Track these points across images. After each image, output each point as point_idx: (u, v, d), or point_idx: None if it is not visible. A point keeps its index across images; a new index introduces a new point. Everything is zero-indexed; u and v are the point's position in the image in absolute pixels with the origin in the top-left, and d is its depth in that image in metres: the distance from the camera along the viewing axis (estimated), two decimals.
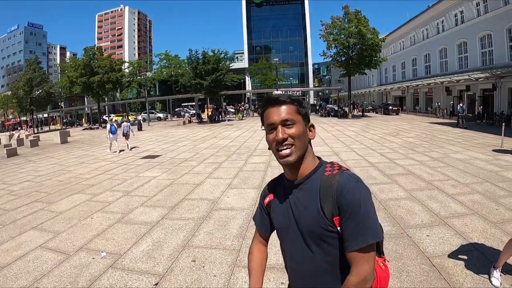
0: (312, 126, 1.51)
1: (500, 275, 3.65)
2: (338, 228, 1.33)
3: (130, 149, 16.59)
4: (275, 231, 1.64)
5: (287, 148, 1.38)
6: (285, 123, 1.39)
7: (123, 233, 5.38)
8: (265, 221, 1.66)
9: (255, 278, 1.63)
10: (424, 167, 9.59)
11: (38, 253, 4.79)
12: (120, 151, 16.00)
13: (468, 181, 7.94)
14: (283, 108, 1.40)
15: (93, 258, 4.52)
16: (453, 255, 4.24)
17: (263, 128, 1.48)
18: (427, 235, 4.86)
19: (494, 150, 12.21)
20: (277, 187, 1.60)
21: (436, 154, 11.62)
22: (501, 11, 27.97)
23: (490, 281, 3.61)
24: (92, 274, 4.07)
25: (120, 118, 47.09)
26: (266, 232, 1.69)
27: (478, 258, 4.10)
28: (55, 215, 6.59)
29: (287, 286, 1.68)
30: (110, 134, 16.26)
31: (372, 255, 1.30)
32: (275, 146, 1.41)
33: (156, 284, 3.81)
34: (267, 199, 1.63)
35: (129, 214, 6.40)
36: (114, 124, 16.93)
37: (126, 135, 17.22)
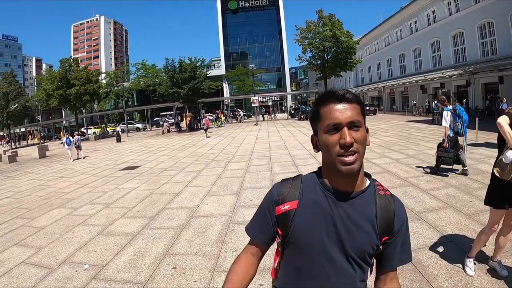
0: (367, 130, 1.30)
1: (474, 264, 3.82)
2: (381, 247, 1.31)
3: (83, 158, 19.80)
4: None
5: (351, 155, 1.19)
6: (351, 125, 1.20)
7: (105, 245, 5.47)
8: (267, 232, 1.40)
9: None
10: (400, 165, 9.93)
11: (22, 269, 4.85)
12: (84, 156, 20.07)
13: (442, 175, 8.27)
14: (351, 107, 1.22)
15: (76, 271, 4.60)
16: (428, 248, 4.45)
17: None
18: None
19: (469, 145, 12.61)
20: (308, 194, 1.34)
21: (412, 152, 12.00)
22: (472, 9, 29.07)
23: (465, 271, 3.78)
24: (76, 287, 4.17)
25: (99, 130, 46.70)
26: (264, 244, 1.43)
27: (452, 249, 4.32)
28: (37, 231, 6.61)
29: None
30: (66, 145, 19.95)
31: None
32: (338, 150, 1.20)
33: None
34: (284, 207, 1.34)
35: (110, 226, 6.48)
36: (70, 138, 20.52)
37: (78, 147, 20.13)
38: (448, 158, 8.05)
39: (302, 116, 40.88)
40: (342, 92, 1.23)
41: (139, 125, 53.67)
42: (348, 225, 1.26)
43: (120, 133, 32.89)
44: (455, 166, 8.43)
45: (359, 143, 1.20)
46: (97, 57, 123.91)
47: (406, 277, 3.76)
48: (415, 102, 36.20)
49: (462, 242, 4.55)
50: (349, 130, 1.19)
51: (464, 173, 8.13)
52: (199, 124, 39.94)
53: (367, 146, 1.27)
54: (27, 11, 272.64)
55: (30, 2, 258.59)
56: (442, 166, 8.48)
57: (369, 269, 1.36)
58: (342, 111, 1.21)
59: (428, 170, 8.93)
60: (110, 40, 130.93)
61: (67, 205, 8.50)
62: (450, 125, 8.13)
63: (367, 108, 42.62)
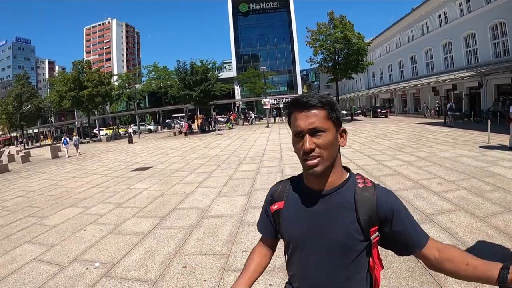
0: (344, 131, 1.40)
1: None
2: (373, 237, 1.32)
3: (80, 154, 24.36)
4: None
5: (313, 159, 1.27)
6: (313, 131, 1.27)
7: (116, 244, 5.50)
8: (269, 227, 1.56)
9: (244, 276, 1.50)
10: (411, 167, 9.80)
11: (33, 266, 4.89)
12: (81, 153, 24.57)
13: (454, 178, 8.15)
14: (312, 113, 1.27)
15: (87, 269, 4.63)
16: None
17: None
18: None
19: (481, 147, 12.48)
20: (290, 194, 1.47)
21: (424, 154, 11.85)
22: (484, 9, 28.67)
23: None
24: (86, 284, 4.19)
25: (111, 131, 47.17)
26: (271, 238, 1.59)
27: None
28: (49, 229, 6.67)
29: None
30: (63, 144, 24.31)
31: None
32: (302, 155, 1.29)
33: None
34: (275, 206, 1.50)
35: (121, 225, 6.51)
36: (67, 139, 24.71)
37: (76, 146, 25.46)
38: None
39: None
40: (305, 100, 1.29)
41: (151, 127, 54.04)
42: (326, 221, 1.33)
43: (132, 134, 33.15)
44: None
45: (321, 147, 1.27)
46: (109, 59, 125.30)
47: (417, 279, 3.71)
48: (426, 104, 35.95)
49: (472, 244, 4.49)
50: (311, 136, 1.27)
51: None
52: (210, 126, 40.08)
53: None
54: (40, 14, 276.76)
55: (43, 5, 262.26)
56: None
57: (368, 260, 1.39)
58: (304, 118, 1.28)
59: None
60: (122, 42, 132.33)
61: (79, 205, 8.57)
62: None
63: (379, 110, 42.52)
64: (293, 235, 1.42)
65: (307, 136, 1.26)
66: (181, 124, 46.31)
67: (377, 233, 1.33)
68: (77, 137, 27.43)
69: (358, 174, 1.44)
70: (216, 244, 5.18)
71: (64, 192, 10.43)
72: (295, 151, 1.36)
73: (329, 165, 1.31)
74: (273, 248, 1.65)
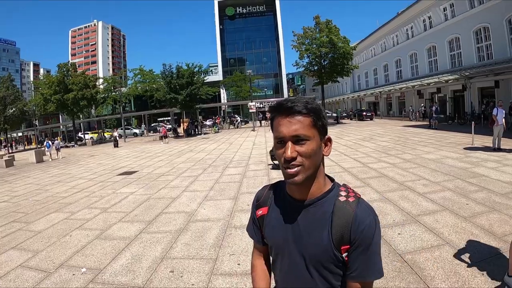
0: (329, 140, 1.32)
1: None
2: (344, 255, 1.24)
3: (62, 158, 24.72)
4: None
5: (294, 167, 1.20)
6: (296, 139, 1.20)
7: (102, 249, 5.49)
8: (257, 233, 1.52)
9: None
10: (396, 169, 9.99)
11: (19, 272, 4.85)
12: (63, 157, 24.99)
13: (439, 179, 8.37)
14: (297, 120, 1.20)
15: (74, 275, 4.61)
16: (424, 250, 4.47)
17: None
18: (399, 233, 5.14)
19: (465, 148, 12.79)
20: (275, 201, 1.43)
21: (409, 156, 12.08)
22: (468, 14, 29.25)
23: None
24: None
25: (96, 135, 46.71)
26: (261, 244, 1.54)
27: (449, 251, 4.36)
28: (34, 235, 6.62)
29: None
30: (46, 148, 25.50)
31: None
32: (283, 163, 1.22)
33: None
34: (259, 212, 1.47)
35: (107, 230, 6.50)
36: (49, 142, 26.14)
37: (58, 149, 26.20)
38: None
39: None
40: (290, 104, 1.22)
41: (136, 131, 53.62)
42: (301, 233, 1.29)
43: (117, 138, 32.88)
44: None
45: (304, 156, 1.20)
46: (94, 62, 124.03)
47: (404, 279, 3.79)
48: (412, 107, 36.44)
49: (458, 244, 4.60)
50: (293, 144, 1.20)
51: None
52: (196, 130, 39.98)
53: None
54: (25, 16, 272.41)
55: (28, 7, 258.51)
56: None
57: (337, 277, 1.29)
58: (288, 125, 1.21)
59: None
60: (108, 45, 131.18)
61: (65, 210, 8.50)
62: None
63: (364, 113, 43.00)
64: (274, 242, 1.40)
65: (290, 144, 1.19)
66: (158, 129, 46.24)
67: (346, 253, 1.24)
68: (58, 141, 29.39)
69: (343, 185, 1.36)
70: (203, 248, 5.21)
71: (49, 197, 10.32)
72: (275, 157, 1.30)
73: (310, 175, 1.24)
74: (268, 253, 1.58)
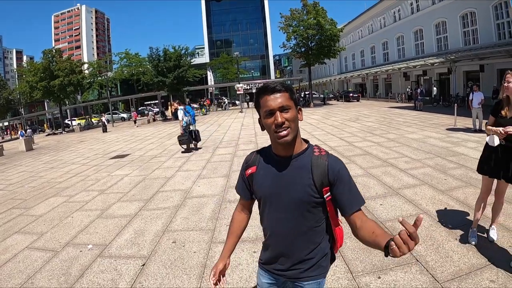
0: (300, 109, 1.70)
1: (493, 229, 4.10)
2: (326, 196, 1.62)
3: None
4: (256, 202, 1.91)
5: (284, 130, 1.57)
6: (282, 109, 1.57)
7: (105, 227, 5.74)
8: (245, 190, 1.89)
9: (230, 239, 1.98)
10: (380, 148, 10.41)
11: (27, 254, 4.99)
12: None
13: (420, 157, 8.79)
14: (279, 95, 1.59)
15: (81, 251, 4.85)
16: (404, 218, 4.82)
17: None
18: (381, 204, 5.55)
19: (447, 129, 13.23)
20: (262, 160, 1.79)
21: (393, 136, 12.50)
22: None
23: (469, 242, 4.03)
24: (82, 265, 4.42)
25: (84, 121, 46.40)
26: (248, 199, 1.93)
27: (426, 219, 4.72)
28: (35, 219, 6.75)
29: (260, 252, 2.01)
30: (21, 136, 29.04)
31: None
32: (274, 128, 1.58)
33: (143, 264, 4.24)
34: (249, 171, 1.83)
35: (107, 209, 6.75)
36: (23, 131, 30.44)
37: (30, 137, 28.17)
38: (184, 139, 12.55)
39: None
40: (273, 85, 1.63)
41: (124, 115, 53.32)
42: (287, 180, 1.66)
43: (105, 123, 32.81)
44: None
45: (289, 120, 1.59)
46: (79, 47, 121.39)
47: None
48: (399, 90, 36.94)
49: (435, 213, 5.01)
50: (280, 113, 1.58)
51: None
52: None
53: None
54: (6, 2, 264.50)
55: None
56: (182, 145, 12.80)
57: (324, 218, 1.72)
58: (274, 99, 1.59)
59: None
60: (92, 29, 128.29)
61: (62, 194, 8.67)
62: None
63: (351, 94, 43.43)
64: (263, 193, 1.76)
65: (278, 113, 1.57)
66: (154, 111, 46.08)
67: (329, 193, 1.62)
68: (30, 130, 36.61)
69: (316, 145, 1.76)
70: (201, 220, 5.56)
71: (45, 183, 10.44)
72: (264, 129, 1.70)
73: (295, 135, 1.63)
74: (249, 210, 2.03)
